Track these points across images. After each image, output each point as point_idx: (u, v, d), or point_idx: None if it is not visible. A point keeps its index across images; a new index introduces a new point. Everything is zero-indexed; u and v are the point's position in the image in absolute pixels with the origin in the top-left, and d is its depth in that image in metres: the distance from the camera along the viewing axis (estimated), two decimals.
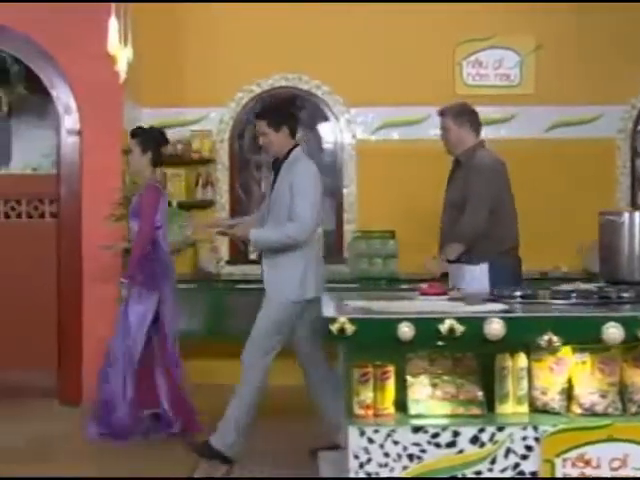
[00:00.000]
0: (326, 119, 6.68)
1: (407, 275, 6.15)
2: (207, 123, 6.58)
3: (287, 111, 4.59)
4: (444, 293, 3.58)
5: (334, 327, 2.88)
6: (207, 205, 6.52)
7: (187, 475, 4.21)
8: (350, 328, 2.89)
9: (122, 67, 4.81)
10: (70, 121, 5.81)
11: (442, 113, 4.79)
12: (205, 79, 6.52)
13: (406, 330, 2.88)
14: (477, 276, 4.47)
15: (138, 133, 5.09)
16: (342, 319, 2.90)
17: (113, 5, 4.67)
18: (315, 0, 6.46)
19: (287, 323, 4.40)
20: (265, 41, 6.50)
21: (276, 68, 6.57)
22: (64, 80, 5.75)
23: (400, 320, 2.90)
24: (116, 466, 4.43)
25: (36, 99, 7.28)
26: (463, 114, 4.71)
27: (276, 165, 4.49)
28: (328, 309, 3.13)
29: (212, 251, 6.51)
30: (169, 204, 6.24)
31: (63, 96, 5.78)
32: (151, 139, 5.06)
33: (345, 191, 6.61)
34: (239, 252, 6.62)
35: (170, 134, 6.44)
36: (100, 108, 5.74)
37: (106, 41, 5.50)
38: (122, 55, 4.76)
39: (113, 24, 4.65)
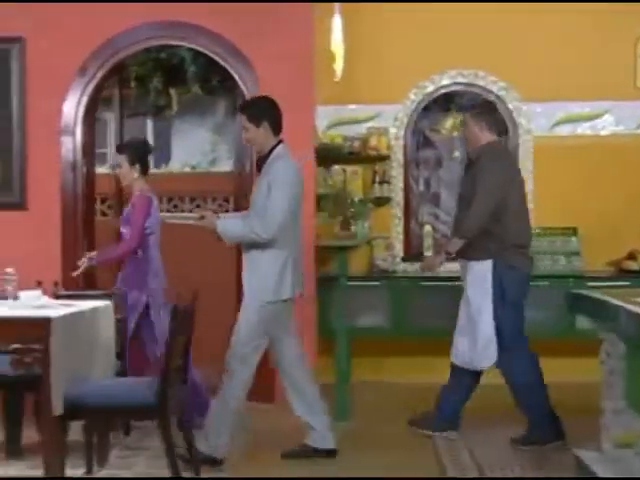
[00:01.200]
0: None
1: (593, 273, 6.10)
2: (382, 120, 6.56)
3: (268, 106, 4.41)
4: None
5: None
6: (384, 202, 6.49)
7: (439, 475, 4.16)
8: None
9: (339, 64, 4.82)
10: None
11: (464, 109, 4.85)
12: (380, 76, 6.50)
13: None
14: (480, 272, 4.59)
15: (124, 147, 5.20)
16: None
17: (337, 5, 4.67)
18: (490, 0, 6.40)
19: (265, 325, 4.29)
20: (440, 37, 6.45)
21: (451, 64, 6.52)
22: (255, 78, 5.79)
23: None
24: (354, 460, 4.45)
25: (202, 99, 7.42)
26: (482, 113, 4.81)
27: (259, 164, 4.40)
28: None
29: (387, 248, 6.50)
30: (351, 201, 6.29)
31: (255, 94, 5.81)
32: (136, 150, 5.13)
33: None
34: (414, 249, 6.59)
35: (346, 131, 6.54)
36: (289, 106, 5.75)
37: (295, 40, 5.59)
38: (340, 53, 4.77)
39: (337, 22, 4.67)
